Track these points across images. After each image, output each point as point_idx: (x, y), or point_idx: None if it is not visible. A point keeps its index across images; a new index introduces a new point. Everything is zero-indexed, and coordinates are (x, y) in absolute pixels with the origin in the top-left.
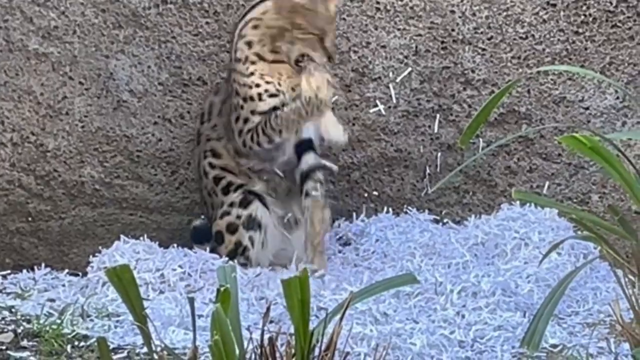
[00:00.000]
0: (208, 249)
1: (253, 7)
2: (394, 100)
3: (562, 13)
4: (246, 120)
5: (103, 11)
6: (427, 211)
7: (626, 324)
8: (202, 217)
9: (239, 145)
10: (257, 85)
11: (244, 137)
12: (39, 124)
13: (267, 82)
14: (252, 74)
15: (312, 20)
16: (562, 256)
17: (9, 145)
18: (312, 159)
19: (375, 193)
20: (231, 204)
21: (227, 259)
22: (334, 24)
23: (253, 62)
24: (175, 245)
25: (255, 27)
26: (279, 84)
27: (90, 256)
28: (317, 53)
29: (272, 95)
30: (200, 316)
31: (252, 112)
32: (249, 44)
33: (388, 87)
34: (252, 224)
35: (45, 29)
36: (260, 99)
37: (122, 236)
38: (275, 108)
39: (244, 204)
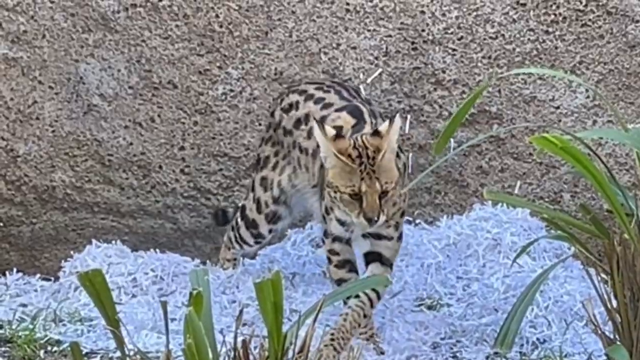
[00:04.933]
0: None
1: None
2: None
3: (532, 12)
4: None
5: (72, 15)
6: None
7: (600, 323)
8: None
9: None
10: None
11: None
12: (9, 129)
13: None
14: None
15: (347, 176)
16: (534, 255)
17: None
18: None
19: None
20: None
21: (199, 262)
22: (375, 186)
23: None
24: (147, 248)
25: None
26: None
27: (62, 261)
28: (354, 213)
29: None
30: (173, 320)
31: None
32: None
33: (359, 88)
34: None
35: (15, 34)
36: None
37: (93, 240)
38: None
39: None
